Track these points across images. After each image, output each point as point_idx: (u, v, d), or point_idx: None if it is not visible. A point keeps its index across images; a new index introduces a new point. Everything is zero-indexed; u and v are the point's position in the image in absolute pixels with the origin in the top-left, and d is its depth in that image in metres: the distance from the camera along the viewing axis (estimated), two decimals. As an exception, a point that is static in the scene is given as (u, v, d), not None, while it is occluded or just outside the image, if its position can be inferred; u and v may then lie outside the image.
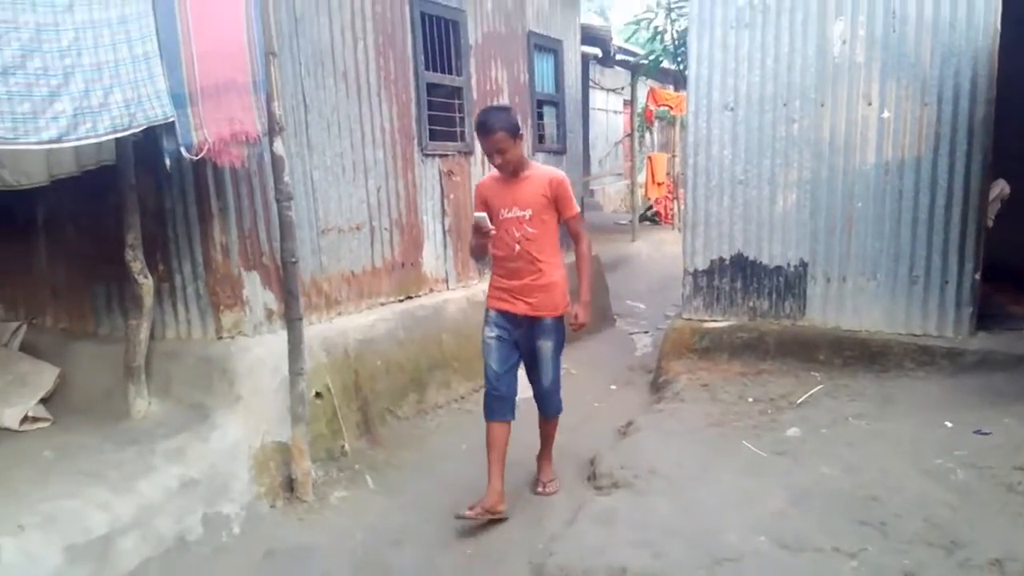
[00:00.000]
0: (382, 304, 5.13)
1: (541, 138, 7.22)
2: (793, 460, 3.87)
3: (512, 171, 3.53)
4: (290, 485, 3.86)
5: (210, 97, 3.25)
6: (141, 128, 3.06)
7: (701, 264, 5.61)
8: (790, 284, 5.36)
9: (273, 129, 3.57)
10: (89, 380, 4.11)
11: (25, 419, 3.83)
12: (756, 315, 5.49)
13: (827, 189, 5.17)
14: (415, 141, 5.35)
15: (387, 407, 4.84)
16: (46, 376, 4.08)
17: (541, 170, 3.64)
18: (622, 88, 15.00)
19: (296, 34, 4.21)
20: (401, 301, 5.30)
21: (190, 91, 3.19)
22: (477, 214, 3.49)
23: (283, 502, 3.80)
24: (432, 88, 5.51)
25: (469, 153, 5.95)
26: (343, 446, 4.31)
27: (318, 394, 4.24)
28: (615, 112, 15.98)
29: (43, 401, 4.00)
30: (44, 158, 3.78)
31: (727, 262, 5.53)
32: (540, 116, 7.19)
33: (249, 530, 3.55)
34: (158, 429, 3.72)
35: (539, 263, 3.58)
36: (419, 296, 5.49)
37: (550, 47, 7.29)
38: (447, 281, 5.81)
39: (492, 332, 3.68)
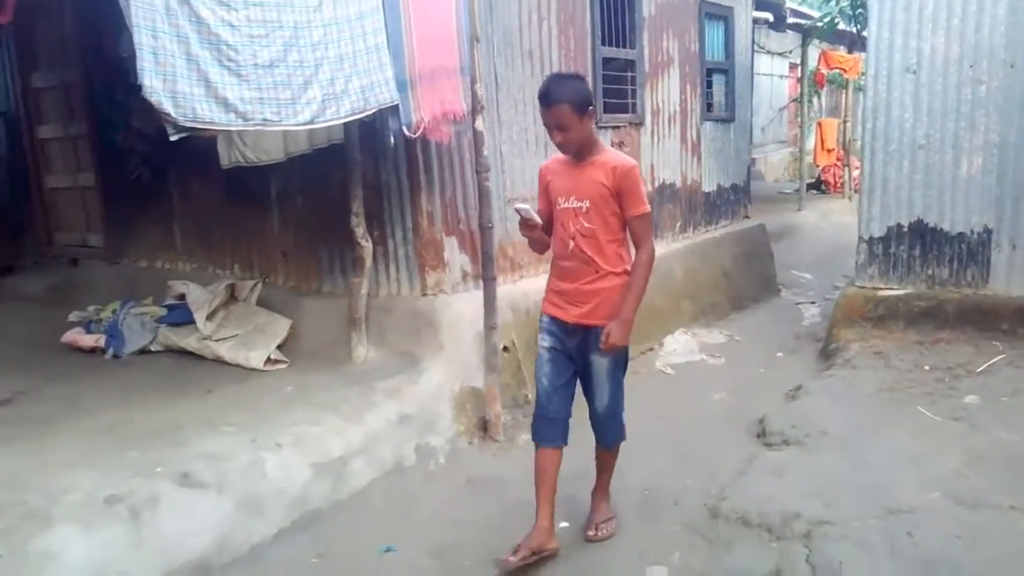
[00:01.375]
0: (558, 268, 5.51)
1: (709, 106, 7.31)
2: (970, 425, 3.89)
3: (577, 153, 2.95)
4: (484, 426, 4.34)
5: (426, 81, 3.72)
6: (372, 111, 3.58)
7: (877, 231, 5.56)
8: (972, 251, 5.22)
9: (475, 108, 4.00)
10: (315, 330, 4.78)
11: (268, 361, 4.55)
12: (935, 283, 5.39)
13: (1015, 153, 4.98)
14: (590, 114, 5.66)
15: (564, 363, 5.24)
16: (280, 326, 4.78)
17: (609, 155, 2.97)
18: (789, 51, 14.51)
19: (490, 20, 4.62)
20: (576, 266, 5.65)
21: (411, 77, 3.67)
22: (518, 205, 2.97)
23: (478, 440, 4.30)
24: (606, 62, 5.79)
25: (640, 124, 6.19)
26: (527, 395, 4.75)
27: (505, 348, 4.69)
28: (780, 76, 15.49)
29: (279, 347, 4.70)
30: (281, 138, 4.43)
31: (905, 229, 5.45)
32: (709, 84, 7.28)
33: (452, 460, 4.07)
34: (376, 372, 4.32)
35: (595, 264, 2.96)
36: (591, 261, 5.82)
37: (721, 14, 7.33)
38: (617, 247, 6.10)
39: (545, 341, 3.13)
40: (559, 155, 3.03)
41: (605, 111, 5.78)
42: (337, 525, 3.39)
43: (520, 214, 2.94)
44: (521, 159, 5.05)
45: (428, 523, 3.46)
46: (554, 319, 3.10)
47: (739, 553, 3.14)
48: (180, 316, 4.89)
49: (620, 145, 6.01)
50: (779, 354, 6.06)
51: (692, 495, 3.71)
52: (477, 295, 4.40)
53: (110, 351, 4.85)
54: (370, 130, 4.09)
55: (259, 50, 3.12)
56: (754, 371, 5.58)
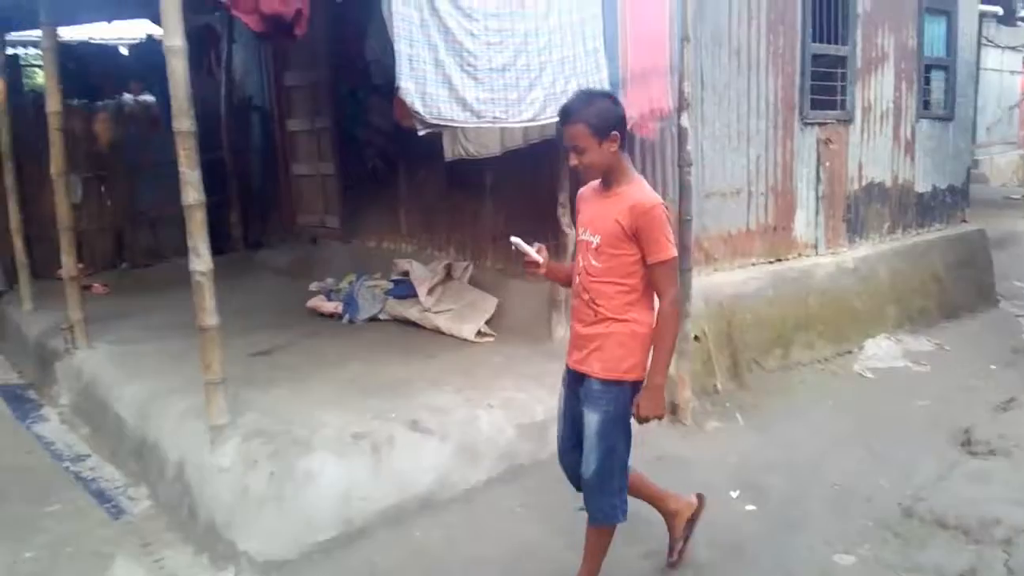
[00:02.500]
0: (753, 264, 5.58)
1: (926, 104, 6.96)
2: None
3: (603, 181, 2.63)
4: (672, 409, 4.55)
5: (637, 81, 4.00)
6: (588, 109, 3.90)
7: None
8: None
9: (681, 106, 4.21)
10: (519, 309, 5.22)
11: (478, 333, 5.05)
12: None
13: None
14: (796, 110, 5.66)
15: (754, 358, 5.31)
16: (488, 303, 5.27)
17: (633, 190, 2.57)
18: (1023, 45, 13.19)
19: (699, 19, 4.78)
20: (771, 263, 5.68)
21: (623, 77, 3.97)
22: (515, 238, 2.66)
23: (667, 421, 4.51)
24: (815, 58, 5.75)
25: (848, 122, 6.07)
26: (715, 384, 4.90)
27: (696, 337, 4.86)
28: (1011, 72, 14.08)
29: (487, 322, 5.19)
30: (500, 134, 4.88)
31: None
32: (927, 81, 6.93)
33: (641, 438, 4.28)
34: (573, 350, 4.67)
35: (596, 307, 2.61)
36: (788, 259, 5.82)
37: (943, 8, 6.95)
38: (816, 246, 6.04)
39: (562, 388, 2.87)
40: (596, 181, 2.68)
41: (812, 108, 5.75)
42: (538, 480, 3.77)
43: (516, 247, 2.66)
44: (722, 155, 5.18)
45: (619, 490, 3.75)
46: (567, 363, 2.81)
47: (932, 551, 3.16)
48: (404, 290, 5.54)
49: (827, 143, 5.94)
50: (992, 367, 5.72)
51: (885, 494, 3.72)
52: (672, 284, 4.62)
53: (346, 317, 5.60)
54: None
55: (494, 56, 3.55)
56: (962, 381, 5.33)
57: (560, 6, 3.71)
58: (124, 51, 7.72)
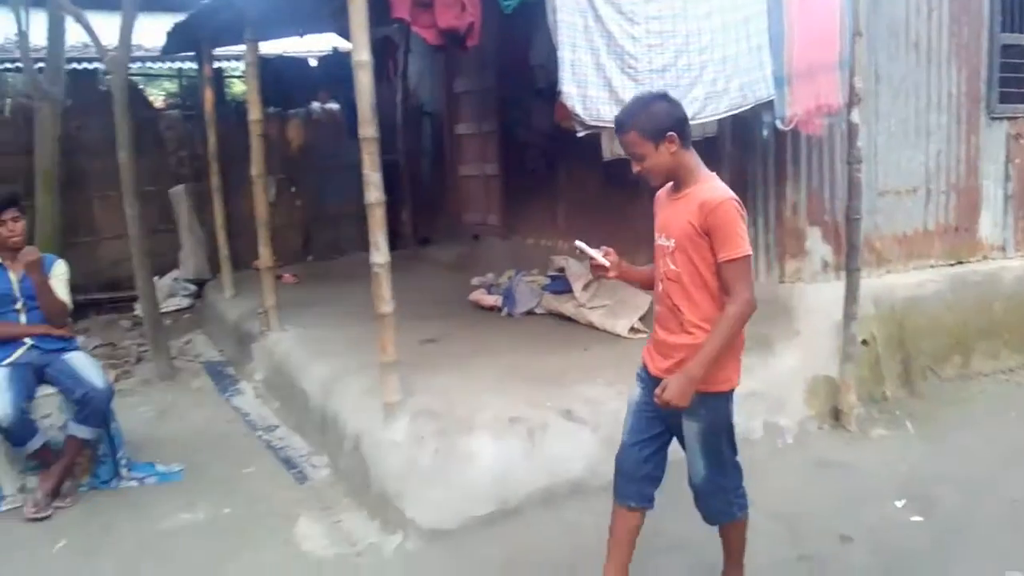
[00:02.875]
0: (931, 266, 5.27)
1: None
2: None
3: (674, 184, 2.56)
4: (835, 415, 4.42)
5: (803, 77, 3.92)
6: (749, 106, 3.89)
7: None
8: None
9: (852, 101, 4.08)
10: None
11: (631, 329, 5.13)
12: None
13: None
14: (982, 104, 5.28)
15: (928, 365, 5.02)
16: (642, 300, 5.31)
17: (704, 188, 2.47)
18: None
19: (873, 12, 4.60)
20: (951, 265, 5.33)
21: (788, 73, 3.91)
22: (579, 242, 2.74)
23: (829, 427, 4.39)
24: (1005, 49, 5.33)
25: (1048, 114, 5.57)
26: (884, 391, 4.69)
27: (864, 341, 4.67)
28: None
29: (640, 319, 5.25)
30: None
31: None
32: None
33: (800, 442, 4.24)
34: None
35: (680, 314, 2.54)
36: (971, 262, 5.43)
37: None
38: (1004, 248, 5.59)
39: (634, 390, 2.81)
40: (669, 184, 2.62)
41: (1000, 101, 5.34)
42: (685, 473, 3.81)
43: (580, 251, 2.71)
44: (897, 151, 4.94)
45: (772, 491, 3.70)
46: (644, 367, 2.76)
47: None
48: (560, 286, 5.71)
49: (1017, 138, 5.48)
50: None
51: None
52: (837, 286, 4.48)
53: (505, 310, 5.86)
54: (741, 124, 4.40)
55: (655, 57, 3.62)
56: None
57: (723, 5, 3.73)
58: (313, 63, 8.46)
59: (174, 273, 8.37)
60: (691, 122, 3.87)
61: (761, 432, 4.22)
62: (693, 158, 2.53)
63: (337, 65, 8.05)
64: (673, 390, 2.43)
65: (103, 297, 7.83)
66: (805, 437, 4.28)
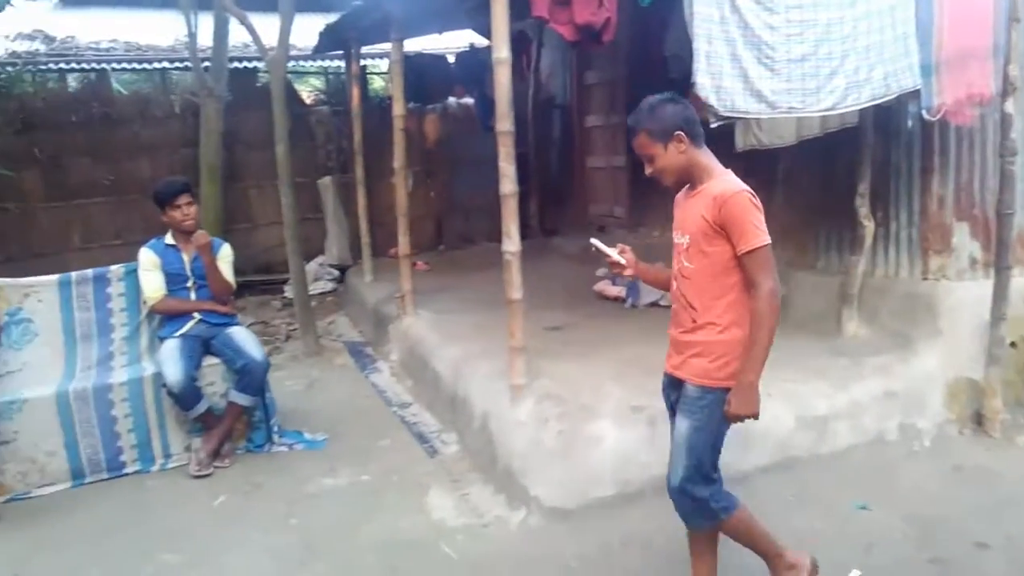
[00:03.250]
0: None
1: None
2: None
3: (690, 184, 2.57)
4: (977, 419, 4.20)
5: (953, 65, 3.74)
6: (893, 96, 3.75)
7: None
8: None
9: (1006, 90, 3.85)
10: (806, 302, 5.11)
11: (760, 324, 5.05)
12: None
13: None
14: None
15: (1088, 373, 4.65)
16: (773, 295, 5.23)
17: (716, 183, 2.48)
18: None
19: (1036, -6, 4.31)
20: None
21: (936, 61, 3.74)
22: (594, 240, 2.79)
23: (970, 431, 4.18)
24: None
25: None
26: (1034, 398, 4.40)
27: (1012, 343, 4.40)
28: None
29: (770, 313, 5.16)
30: (794, 123, 4.81)
31: None
32: None
33: (938, 445, 4.06)
34: (864, 348, 4.49)
35: (693, 311, 2.53)
36: None
37: None
38: None
39: (662, 396, 2.83)
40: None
41: None
42: (814, 474, 3.76)
43: (596, 249, 2.74)
44: (1061, 143, 4.59)
45: (906, 494, 3.60)
46: (664, 371, 2.74)
47: None
48: (687, 278, 5.69)
49: None
50: None
51: None
52: (984, 284, 4.25)
53: (629, 301, 5.91)
54: (884, 114, 4.24)
55: (793, 47, 3.57)
56: None
57: (868, -8, 3.63)
58: (451, 59, 8.78)
59: (319, 259, 8.94)
60: (831, 112, 3.83)
61: (896, 434, 4.09)
62: (705, 156, 2.53)
63: (473, 61, 8.32)
64: (738, 402, 2.42)
65: (257, 279, 8.49)
66: (944, 441, 4.10)
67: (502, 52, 3.44)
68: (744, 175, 5.62)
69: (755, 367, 2.40)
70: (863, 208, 4.48)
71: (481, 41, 9.02)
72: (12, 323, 4.19)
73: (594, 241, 2.79)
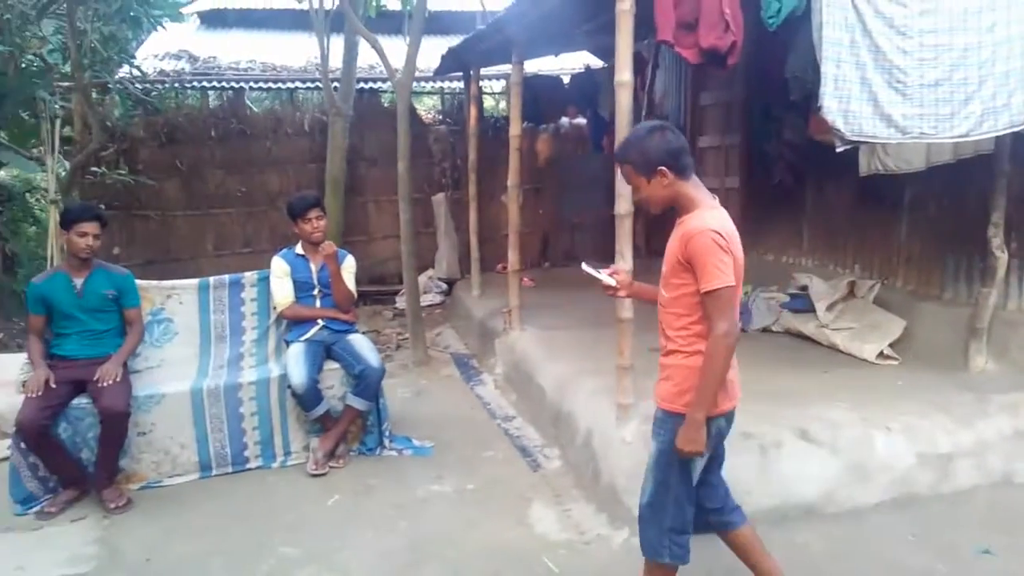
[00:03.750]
0: None
1: None
2: None
3: (676, 213, 2.57)
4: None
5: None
6: (1033, 123, 3.57)
7: None
8: None
9: None
10: (930, 334, 4.89)
11: (879, 355, 4.86)
12: None
13: None
14: None
15: None
16: (895, 325, 5.03)
17: (693, 218, 2.47)
18: None
19: None
20: None
21: (1085, 86, 3.52)
22: (585, 265, 2.83)
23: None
24: None
25: None
26: None
27: None
28: None
29: (890, 345, 4.96)
30: (924, 149, 4.64)
31: None
32: None
33: None
34: (992, 384, 4.26)
35: (668, 338, 2.60)
36: None
37: None
38: None
39: None
40: None
41: None
42: (935, 514, 3.59)
43: (587, 273, 2.78)
44: None
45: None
46: None
47: None
48: (801, 304, 5.55)
49: None
50: None
51: None
52: None
53: (740, 325, 5.79)
54: (1021, 141, 4.02)
55: (926, 71, 3.46)
56: None
57: (1009, 17, 3.46)
58: (565, 80, 8.92)
59: (429, 272, 9.23)
60: (965, 139, 3.68)
61: (1028, 476, 3.84)
62: (692, 188, 2.54)
63: (587, 82, 8.42)
64: (683, 440, 2.46)
65: (370, 290, 8.84)
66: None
67: (624, 75, 3.49)
68: (867, 200, 5.51)
69: (701, 404, 2.44)
70: (996, 238, 4.25)
71: (596, 62, 9.11)
72: (154, 322, 4.55)
73: (585, 266, 2.84)
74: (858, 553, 3.33)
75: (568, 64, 9.38)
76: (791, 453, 3.67)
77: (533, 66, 8.79)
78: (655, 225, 9.03)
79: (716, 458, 2.76)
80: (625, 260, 3.74)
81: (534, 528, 3.66)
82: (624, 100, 3.51)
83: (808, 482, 3.62)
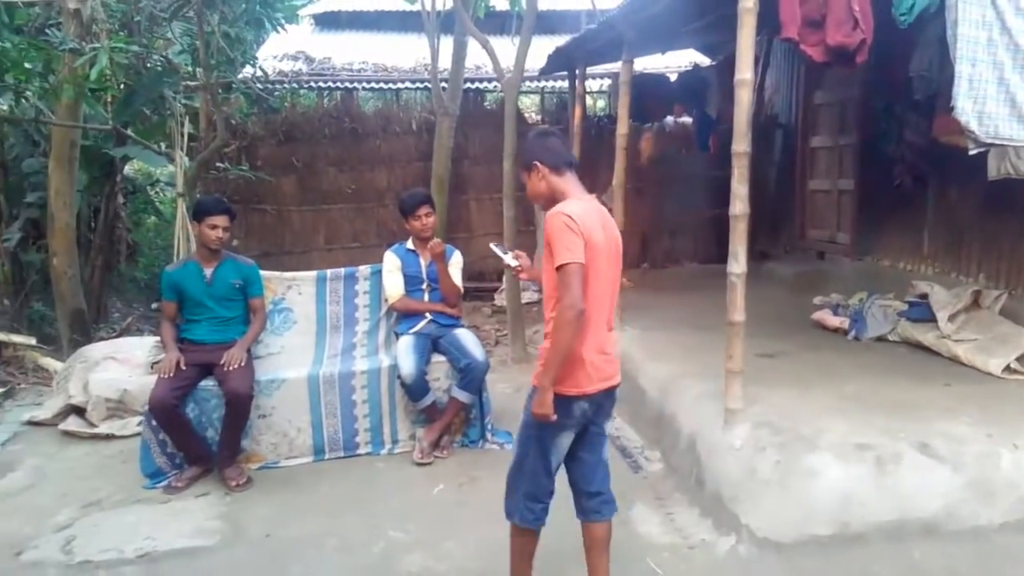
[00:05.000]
0: None
1: None
2: None
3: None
4: None
5: None
6: None
7: None
8: None
9: None
10: (1064, 349, 4.58)
11: (1006, 368, 4.59)
12: None
13: None
14: None
15: None
16: (1023, 338, 4.73)
17: (555, 207, 2.72)
18: None
19: None
20: None
21: None
22: (493, 244, 3.23)
23: None
24: None
25: None
26: None
27: None
28: None
29: (1018, 359, 4.67)
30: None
31: None
32: None
33: None
34: None
35: (546, 322, 2.78)
36: None
37: None
38: None
39: None
40: None
41: None
42: (1071, 540, 3.36)
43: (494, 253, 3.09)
44: None
45: None
46: None
47: None
48: (920, 313, 5.29)
49: None
50: None
51: None
52: None
53: (852, 333, 5.59)
54: None
55: (1072, 69, 3.26)
56: None
57: None
58: (672, 78, 8.81)
59: (528, 270, 9.29)
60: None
61: None
62: (564, 182, 2.80)
63: (695, 80, 8.29)
64: (533, 404, 2.68)
65: (470, 286, 8.98)
66: None
67: (745, 73, 3.44)
68: (995, 205, 5.22)
69: (546, 372, 2.64)
70: None
71: (704, 60, 8.96)
72: (275, 311, 4.80)
73: (493, 246, 3.20)
74: (978, 574, 3.17)
75: (673, 62, 9.26)
76: (910, 467, 3.51)
77: (638, 64, 8.72)
78: (764, 228, 8.83)
79: (590, 439, 2.88)
80: (739, 261, 3.67)
81: (636, 528, 3.66)
82: (744, 98, 3.45)
83: (928, 498, 3.45)
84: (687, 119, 8.96)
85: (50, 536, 3.69)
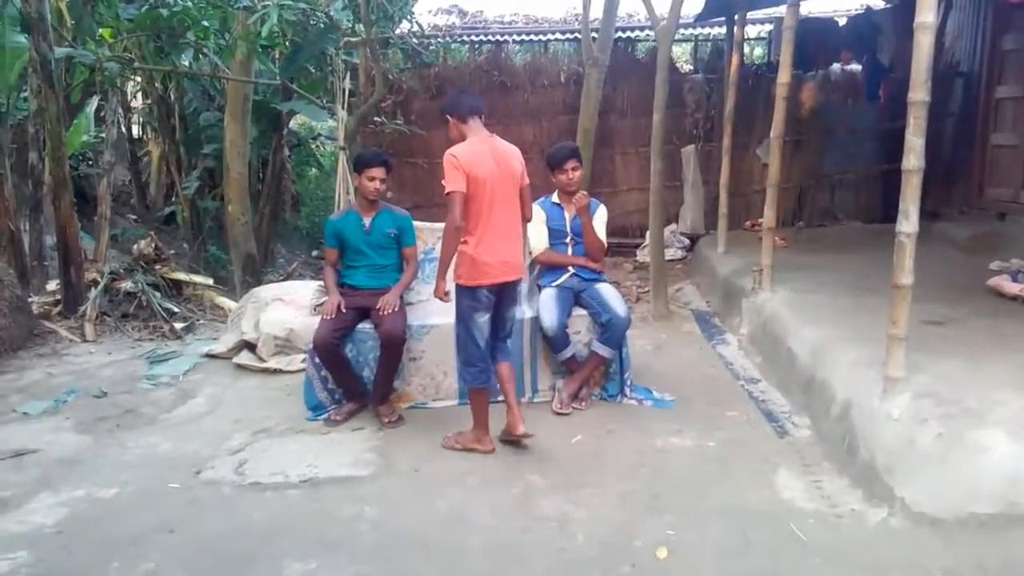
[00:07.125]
0: None
1: None
2: None
3: None
4: None
5: None
6: None
7: None
8: None
9: None
10: None
11: None
12: None
13: None
14: None
15: None
16: None
17: None
18: None
19: None
20: None
21: None
22: None
23: None
24: None
25: None
26: None
27: None
28: None
29: None
30: None
31: None
32: None
33: None
34: None
35: None
36: None
37: None
38: None
39: None
40: None
41: None
42: None
43: None
44: None
45: None
46: None
47: None
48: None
49: None
50: None
51: None
52: None
53: (1035, 301, 5.09)
54: None
55: None
56: None
57: None
58: (840, 23, 8.20)
59: (672, 226, 9.11)
60: None
61: None
62: (468, 128, 3.81)
63: (866, 24, 7.69)
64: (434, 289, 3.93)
65: (612, 241, 8.89)
66: None
67: (927, 15, 3.15)
68: None
69: (439, 268, 3.84)
70: None
71: (876, 2, 8.27)
72: (426, 260, 4.98)
73: None
74: None
75: (842, 5, 8.61)
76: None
77: (804, 7, 8.18)
78: (935, 185, 8.14)
79: (497, 319, 3.99)
80: (910, 220, 3.43)
81: (780, 494, 3.56)
82: (924, 44, 3.16)
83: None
84: (855, 67, 8.33)
85: (225, 458, 4.08)
